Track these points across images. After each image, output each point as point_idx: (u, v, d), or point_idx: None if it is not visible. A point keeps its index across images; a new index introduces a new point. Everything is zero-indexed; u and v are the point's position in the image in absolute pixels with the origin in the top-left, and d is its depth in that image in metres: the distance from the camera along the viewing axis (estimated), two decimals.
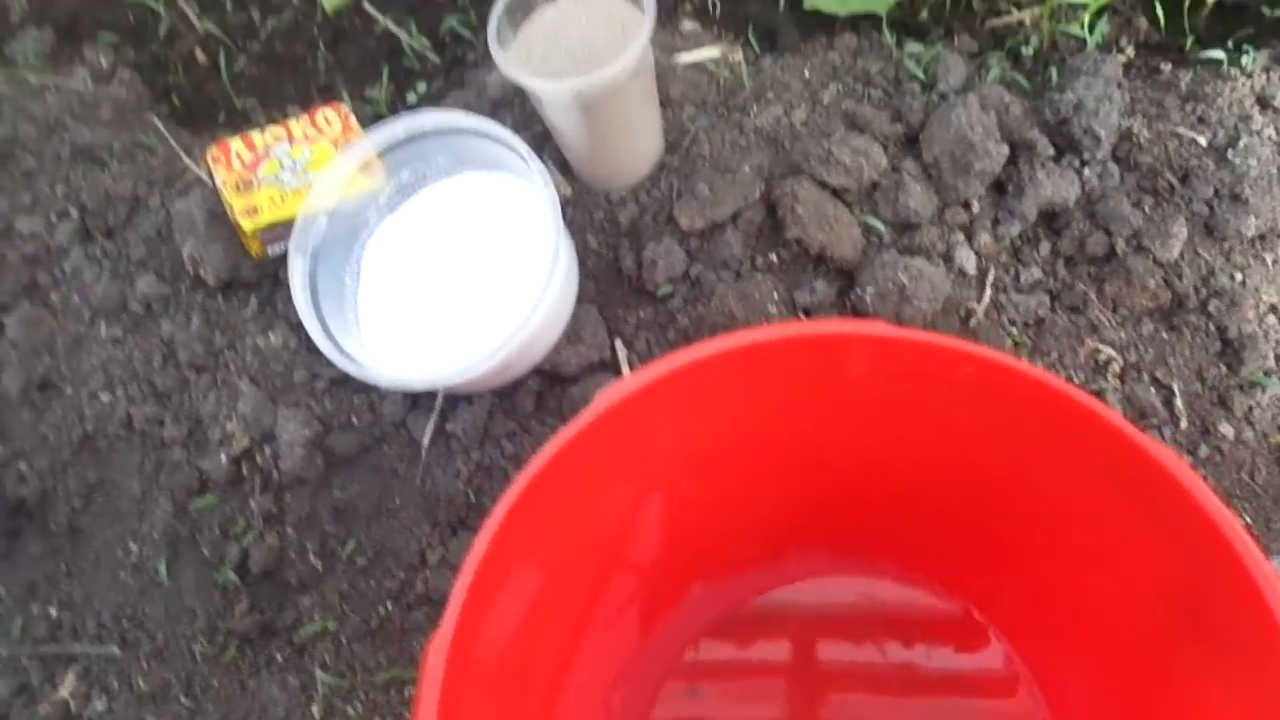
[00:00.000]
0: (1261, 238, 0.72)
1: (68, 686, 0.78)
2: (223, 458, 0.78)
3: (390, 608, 0.76)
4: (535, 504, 0.48)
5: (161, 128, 0.91)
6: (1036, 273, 0.74)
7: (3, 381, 0.82)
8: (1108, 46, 0.83)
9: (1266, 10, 0.84)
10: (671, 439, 0.54)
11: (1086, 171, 0.73)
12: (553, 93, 0.67)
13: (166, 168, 0.88)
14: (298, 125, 0.81)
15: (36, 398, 0.82)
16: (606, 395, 0.50)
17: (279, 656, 0.77)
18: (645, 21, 0.66)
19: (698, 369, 0.51)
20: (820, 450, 0.58)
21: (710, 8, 0.88)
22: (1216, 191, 0.71)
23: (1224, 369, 0.73)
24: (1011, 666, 0.62)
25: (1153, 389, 0.72)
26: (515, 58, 0.70)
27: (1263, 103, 0.73)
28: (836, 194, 0.72)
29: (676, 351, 0.51)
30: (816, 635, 0.67)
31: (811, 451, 0.58)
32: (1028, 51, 0.82)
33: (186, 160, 0.87)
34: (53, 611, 0.81)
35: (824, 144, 0.72)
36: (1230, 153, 0.71)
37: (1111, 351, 0.72)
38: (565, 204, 0.79)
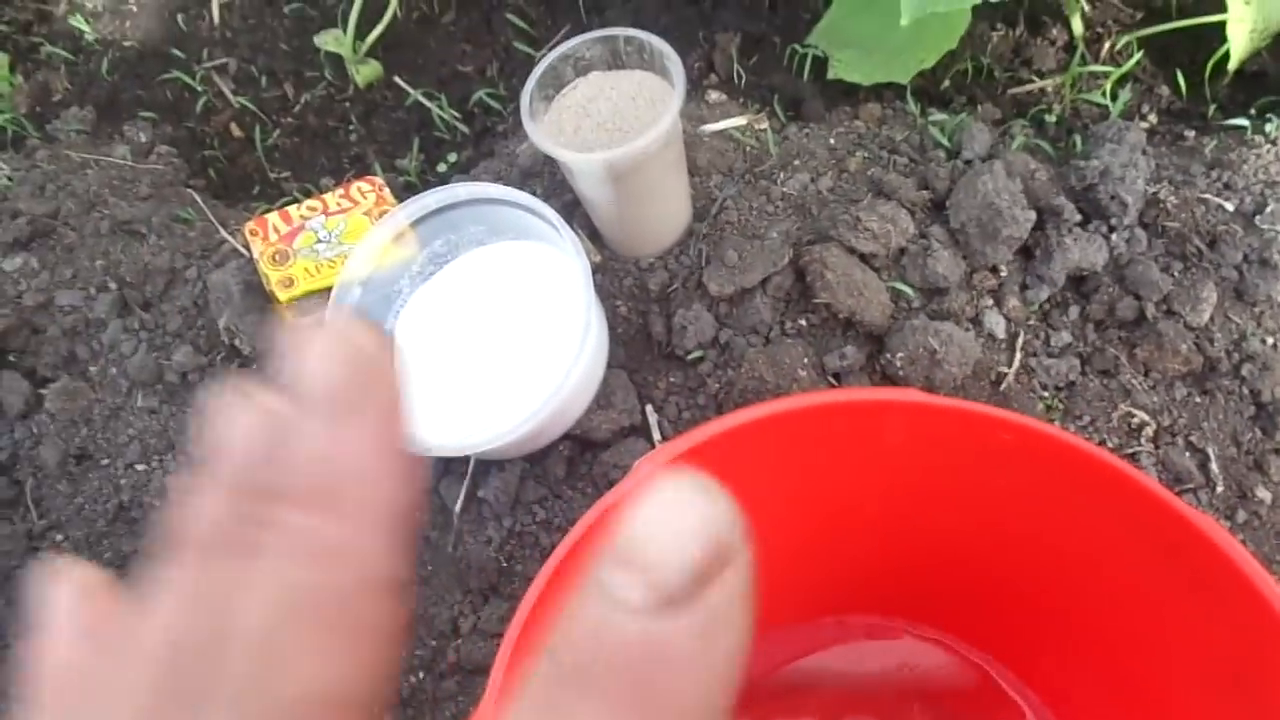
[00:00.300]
0: None
1: None
2: None
3: (422, 677, 0.76)
4: (579, 569, 0.47)
5: (199, 201, 0.93)
6: (1066, 336, 0.74)
7: (41, 454, 0.83)
8: (1130, 114, 0.84)
9: None
10: None
11: (1114, 237, 0.73)
12: (585, 164, 0.68)
13: (203, 240, 0.90)
14: (333, 198, 0.83)
15: (74, 469, 0.83)
16: (648, 461, 0.50)
17: None
18: (675, 94, 0.68)
19: (737, 435, 0.51)
20: (858, 516, 0.58)
21: (736, 78, 0.90)
22: (1245, 256, 0.71)
23: (1259, 433, 0.72)
24: None
25: (1187, 453, 0.72)
26: (547, 131, 0.71)
27: None
28: (865, 260, 0.73)
29: (716, 419, 0.52)
30: (848, 704, 0.66)
31: (849, 517, 0.58)
32: (1051, 119, 0.84)
33: (223, 233, 0.89)
34: None
35: (852, 210, 0.73)
36: (1258, 218, 0.71)
37: (1144, 415, 0.72)
38: (595, 271, 0.80)
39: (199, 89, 1.08)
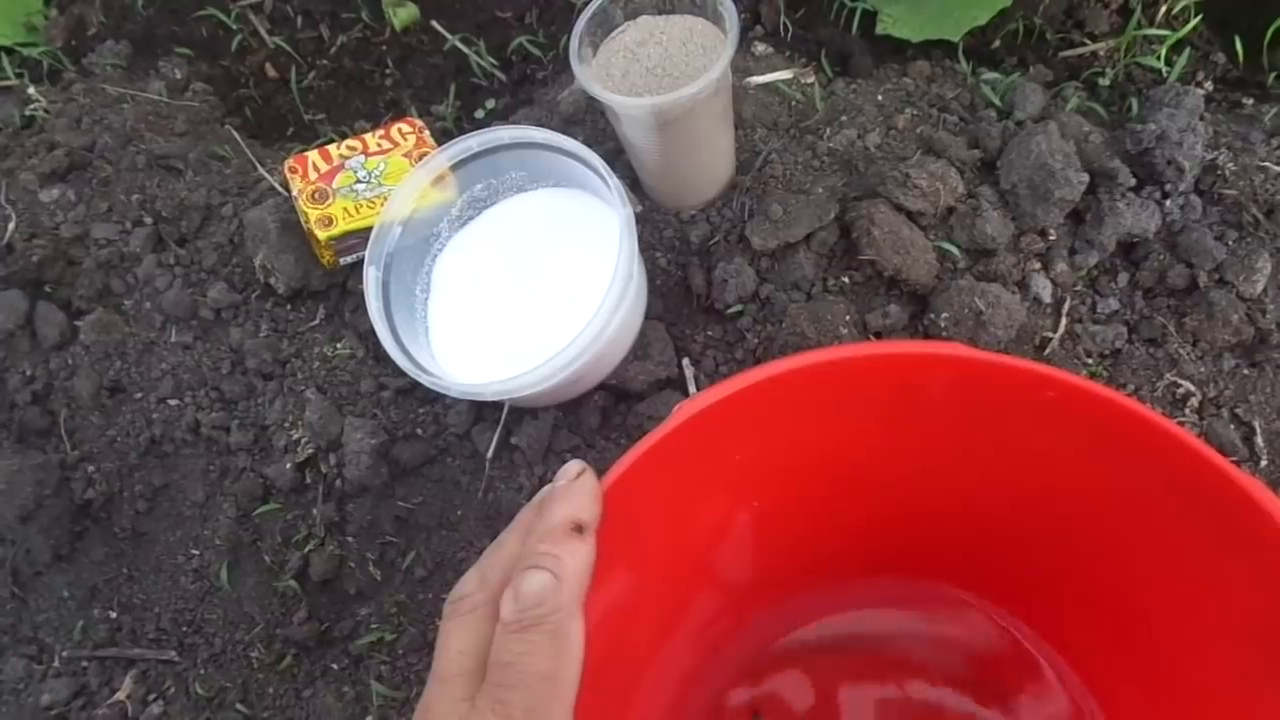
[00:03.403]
0: None
1: (125, 690, 0.79)
2: (287, 465, 0.78)
3: None
4: (616, 509, 0.47)
5: (237, 138, 0.93)
6: (1114, 303, 0.72)
7: (75, 385, 0.83)
8: (1185, 80, 0.82)
9: None
10: (749, 453, 0.54)
11: (1168, 203, 0.72)
12: (633, 109, 0.67)
13: (239, 178, 0.89)
14: (373, 138, 0.82)
15: (107, 401, 0.83)
16: (688, 406, 0.49)
17: (335, 666, 0.77)
18: (728, 41, 0.66)
19: (777, 383, 0.50)
20: (892, 471, 0.57)
21: (783, 31, 0.88)
22: None
23: None
24: (1082, 706, 0.61)
25: (1232, 426, 0.71)
26: (595, 74, 0.70)
27: None
28: (912, 218, 0.72)
29: (756, 367, 0.51)
30: (873, 666, 0.66)
31: (883, 472, 0.57)
32: (1104, 82, 0.82)
33: (260, 170, 0.88)
34: (113, 615, 0.82)
35: (901, 168, 0.72)
36: None
37: (1190, 386, 0.71)
38: (636, 221, 0.79)
39: (234, 27, 1.06)
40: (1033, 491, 0.54)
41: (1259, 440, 0.70)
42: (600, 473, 0.49)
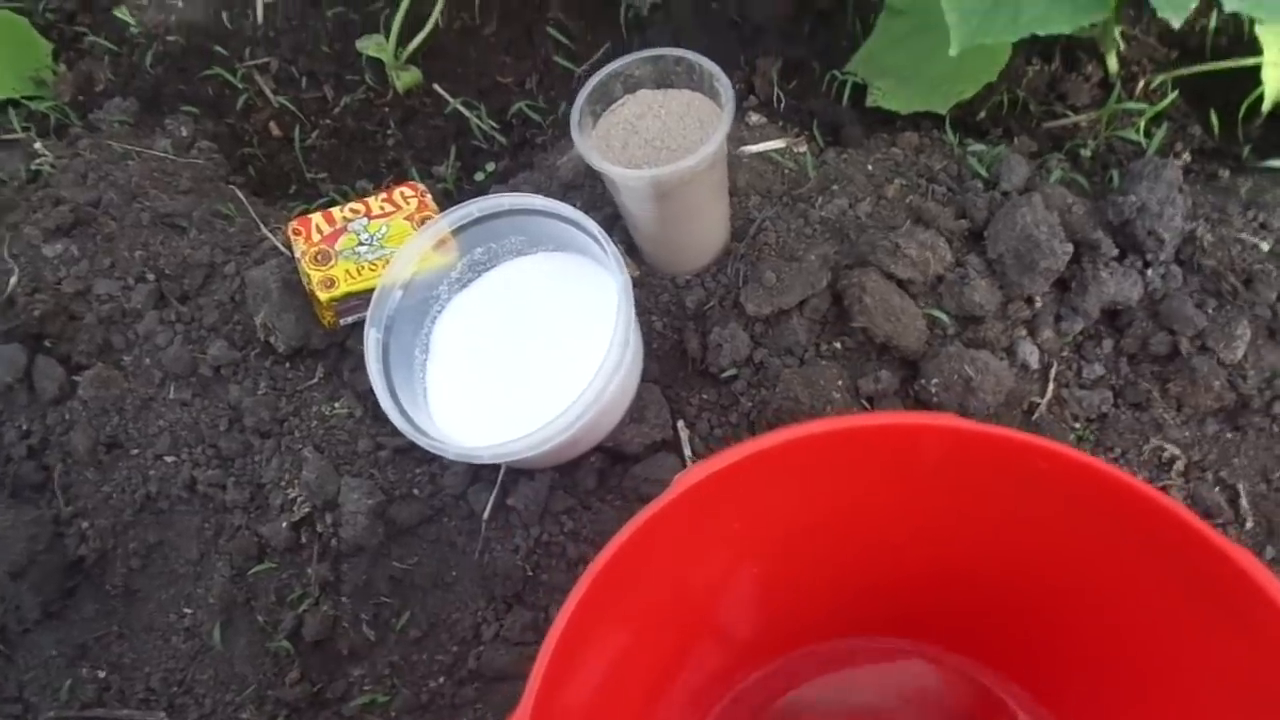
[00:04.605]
0: None
1: None
2: (283, 524, 0.79)
3: (442, 681, 0.76)
4: (619, 573, 0.48)
5: (242, 197, 0.94)
6: (1099, 369, 0.74)
7: (72, 440, 0.83)
8: (1164, 152, 0.85)
9: None
10: (750, 518, 0.55)
11: (1150, 272, 0.74)
12: (632, 180, 0.69)
13: (243, 237, 0.91)
14: (375, 201, 0.84)
15: (103, 457, 0.84)
16: (691, 474, 0.50)
17: None
18: (724, 117, 0.68)
19: (774, 454, 0.52)
20: (886, 538, 0.58)
21: (775, 102, 0.91)
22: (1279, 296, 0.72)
23: None
24: None
25: (1217, 488, 0.72)
26: (595, 145, 0.72)
27: None
28: (902, 286, 0.74)
29: (753, 438, 0.52)
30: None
31: (877, 539, 0.58)
32: (1086, 154, 0.84)
33: (263, 230, 0.90)
34: (101, 674, 0.81)
35: (891, 237, 0.74)
36: None
37: (1175, 450, 0.72)
38: (633, 286, 0.80)
39: (240, 86, 1.09)
40: (1024, 557, 0.56)
41: (1243, 503, 0.72)
42: (601, 535, 0.50)
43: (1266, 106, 0.83)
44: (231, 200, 0.95)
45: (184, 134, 1.06)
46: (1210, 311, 0.73)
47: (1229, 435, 0.73)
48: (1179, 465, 0.73)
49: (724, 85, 0.70)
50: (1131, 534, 0.50)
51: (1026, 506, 0.53)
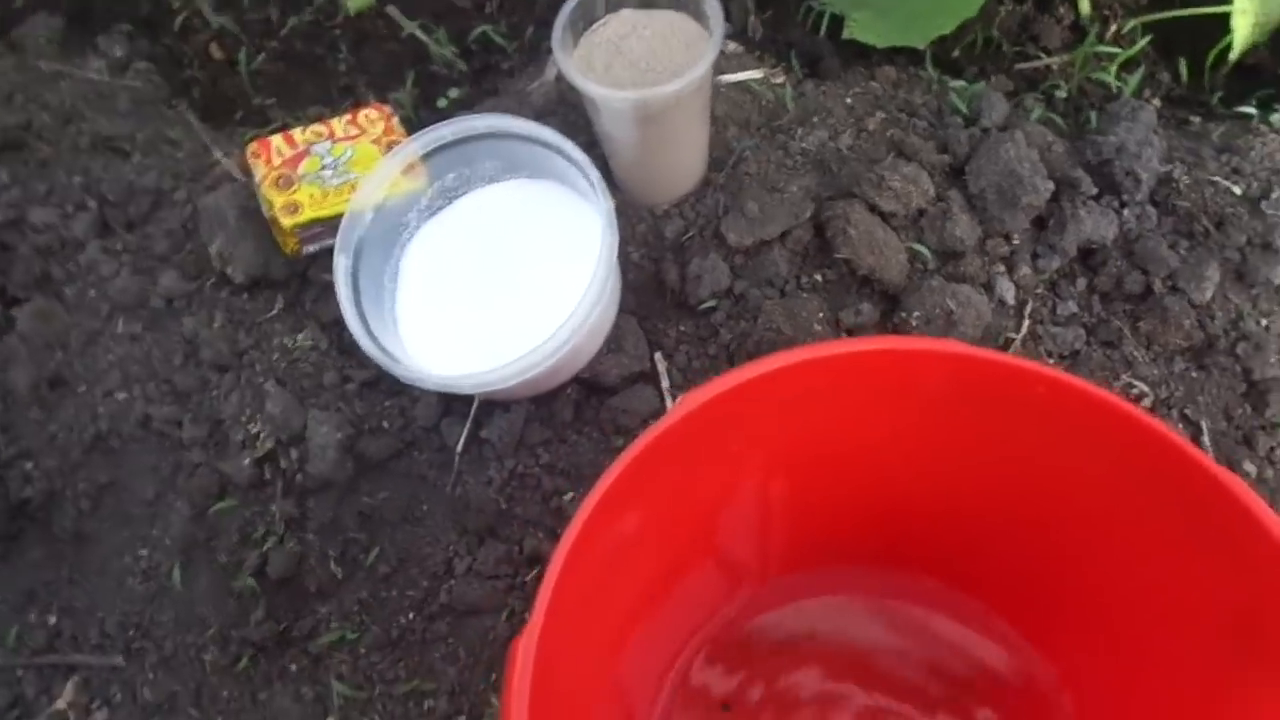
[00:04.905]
0: None
1: (66, 697, 0.75)
2: (245, 460, 0.76)
3: (412, 618, 0.75)
4: (623, 492, 0.47)
5: (190, 120, 0.89)
6: (1073, 307, 0.75)
7: (10, 377, 0.79)
8: (1138, 96, 0.86)
9: None
10: (749, 442, 0.55)
11: (1125, 212, 0.75)
12: (617, 103, 0.67)
13: (193, 161, 0.86)
14: (339, 123, 0.80)
15: (47, 395, 0.79)
16: (695, 394, 0.49)
17: (294, 667, 0.75)
18: (714, 38, 0.67)
19: (781, 376, 0.51)
20: (889, 464, 0.58)
21: (751, 31, 0.89)
22: (1249, 240, 0.73)
23: (1249, 409, 0.75)
24: (1060, 695, 0.63)
25: (1181, 425, 0.74)
26: (577, 65, 0.70)
27: None
28: (885, 218, 0.73)
29: (755, 360, 0.51)
30: (850, 658, 0.67)
31: (881, 465, 0.58)
32: (1061, 95, 0.85)
33: (216, 154, 0.85)
34: (52, 620, 0.78)
35: (875, 169, 0.73)
36: (1263, 204, 0.73)
37: (1144, 387, 0.74)
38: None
39: (175, 4, 1.02)
40: (1020, 487, 0.56)
41: (1205, 440, 0.74)
42: (576, 467, 0.48)
43: (1235, 54, 0.84)
44: (178, 124, 0.90)
45: (118, 54, 0.99)
46: (1182, 252, 0.74)
47: (1195, 374, 0.75)
48: (1146, 402, 0.74)
49: (712, 6, 0.68)
50: (1129, 461, 0.51)
51: (1024, 435, 0.54)
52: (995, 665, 0.65)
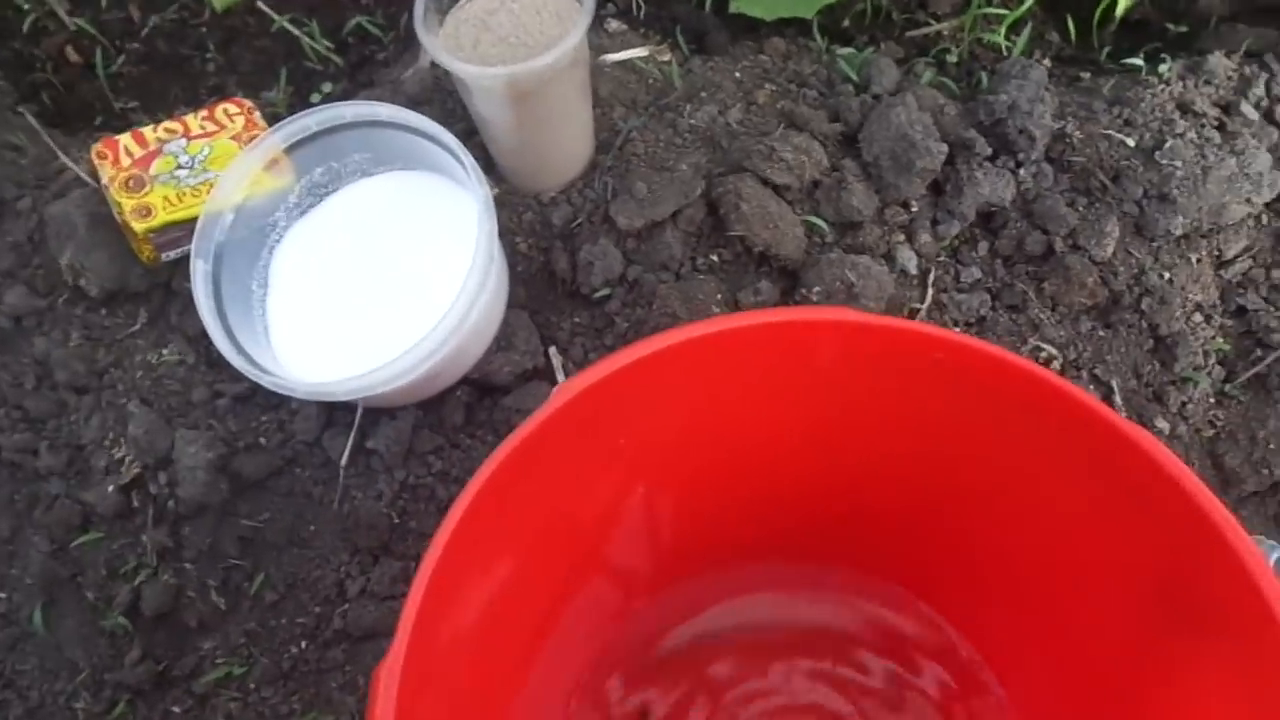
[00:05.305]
0: (1186, 237, 0.74)
1: None
2: (109, 488, 0.70)
3: (305, 646, 0.70)
4: (496, 500, 0.43)
5: (36, 126, 0.82)
6: (976, 272, 0.73)
7: None
8: (1028, 54, 0.84)
9: (1170, 26, 0.88)
10: (637, 433, 0.51)
11: (1022, 172, 0.73)
12: (486, 80, 0.63)
13: (38, 169, 0.79)
14: (195, 120, 0.74)
15: None
16: (570, 385, 0.45)
17: (177, 710, 0.69)
18: (585, 8, 0.63)
19: (658, 360, 0.47)
20: (785, 446, 0.55)
21: (635, 8, 0.86)
22: (1145, 192, 0.72)
23: (1158, 365, 0.74)
24: (979, 674, 0.60)
25: (1091, 386, 0.73)
26: (444, 44, 0.65)
27: (1183, 108, 0.75)
28: (779, 192, 0.70)
29: (635, 343, 0.48)
30: (776, 648, 0.64)
31: (776, 447, 0.55)
32: (952, 59, 0.83)
33: (64, 159, 0.79)
34: None
35: (765, 142, 0.70)
36: (1157, 154, 0.72)
37: (1052, 349, 0.72)
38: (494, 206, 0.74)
39: (24, 5, 0.95)
40: (923, 459, 0.54)
41: (1117, 399, 0.72)
42: (472, 473, 0.44)
43: (1120, 10, 0.83)
44: (22, 130, 0.83)
45: None
46: (1081, 209, 0.73)
47: (1101, 333, 0.74)
48: (1055, 365, 0.72)
49: None
50: (1037, 424, 0.48)
51: (925, 402, 0.51)
52: (920, 646, 0.62)
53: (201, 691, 0.69)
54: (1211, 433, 0.75)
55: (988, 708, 0.59)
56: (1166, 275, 0.73)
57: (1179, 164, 0.72)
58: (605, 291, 0.71)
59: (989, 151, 0.72)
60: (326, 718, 0.68)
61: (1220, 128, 0.75)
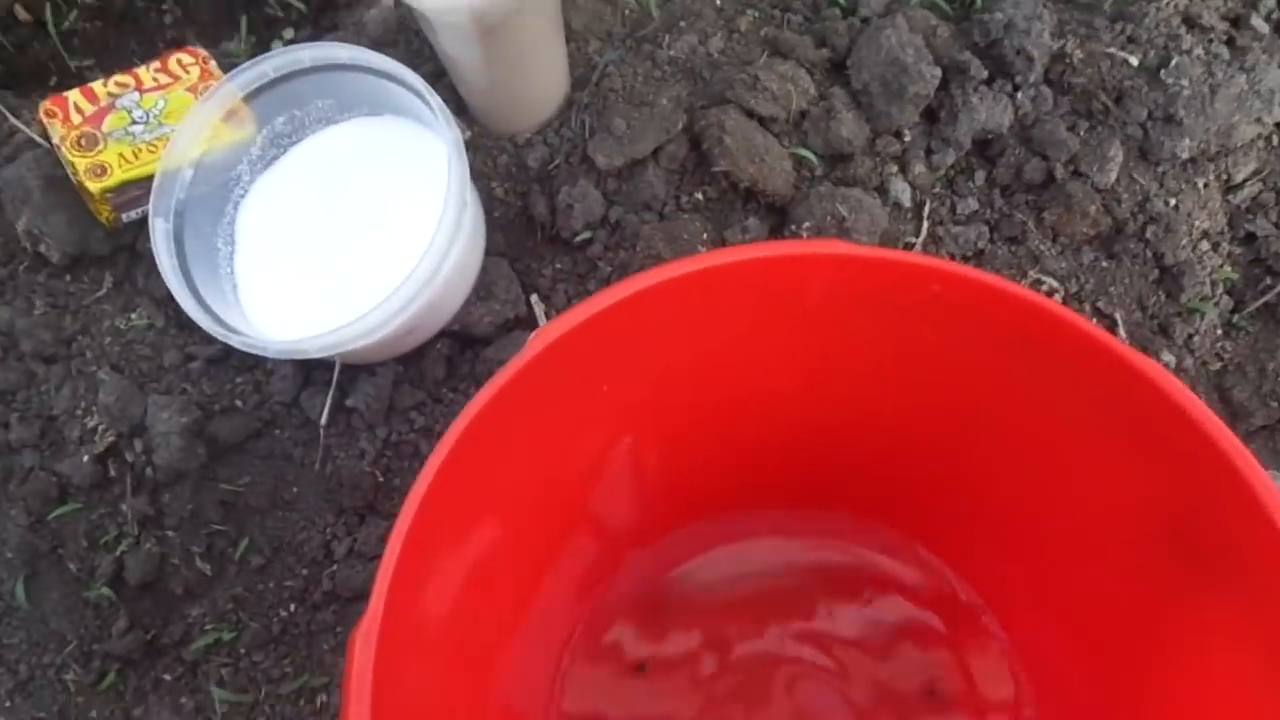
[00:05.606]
0: (1193, 160, 0.71)
1: None
2: (84, 458, 0.68)
3: (294, 609, 0.68)
4: (476, 454, 0.41)
5: None
6: (973, 203, 0.70)
7: None
8: None
9: None
10: (618, 381, 0.48)
11: (1020, 95, 0.69)
12: (450, 15, 0.59)
13: None
14: (147, 72, 0.71)
15: None
16: (544, 334, 0.43)
17: (168, 677, 0.68)
18: None
19: (640, 300, 0.45)
20: (776, 389, 0.52)
21: None
22: (1150, 113, 0.69)
23: (1163, 296, 0.71)
24: (980, 619, 0.59)
25: (1095, 319, 0.70)
26: None
27: (1189, 22, 0.71)
28: (764, 124, 0.67)
29: (616, 284, 0.45)
30: (772, 596, 0.62)
31: (767, 391, 0.52)
32: None
33: (13, 120, 0.75)
34: None
35: (748, 71, 0.67)
36: (1162, 73, 0.69)
37: (1054, 282, 0.69)
38: (465, 148, 0.71)
39: None
40: (920, 397, 0.51)
41: (1121, 332, 0.70)
42: (452, 419, 0.42)
43: None
44: None
45: None
46: (1082, 134, 0.69)
47: (1104, 263, 0.71)
48: (1057, 298, 0.70)
49: None
50: (1039, 357, 0.46)
51: (922, 338, 0.48)
52: (918, 592, 0.60)
53: (192, 658, 0.67)
54: (1219, 365, 0.72)
55: (989, 654, 0.57)
56: (1172, 201, 0.70)
57: (1185, 83, 0.68)
58: (586, 235, 0.68)
59: (985, 75, 0.68)
60: (319, 679, 0.67)
61: (1229, 43, 0.72)
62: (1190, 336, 0.71)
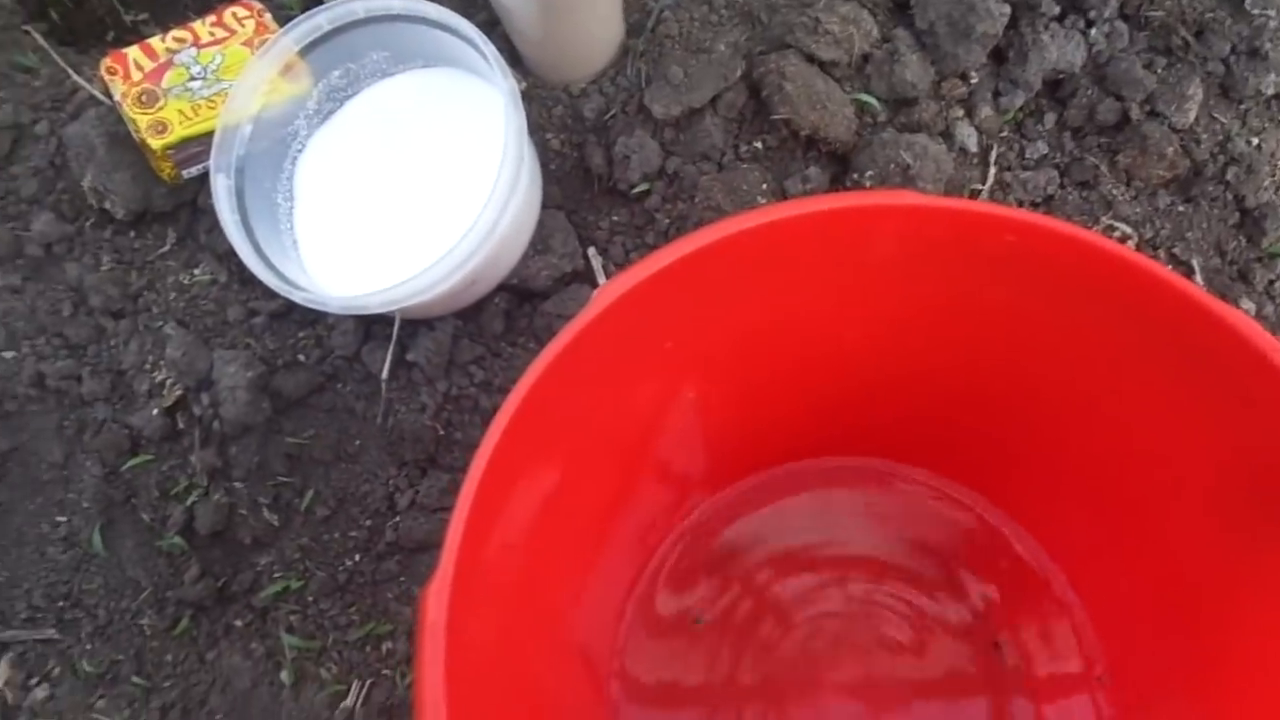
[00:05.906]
0: (1277, 97, 0.67)
1: (2, 676, 0.70)
2: (154, 411, 0.69)
3: (359, 559, 0.69)
4: (543, 406, 0.41)
5: (45, 45, 0.79)
6: (1043, 147, 0.68)
7: None
8: None
9: None
10: (684, 335, 0.48)
11: (1093, 32, 0.67)
12: None
13: (52, 90, 0.77)
14: (203, 27, 0.71)
15: None
16: (612, 287, 0.42)
17: (239, 623, 0.70)
18: None
19: (705, 256, 0.44)
20: (844, 341, 0.52)
21: None
22: (1233, 48, 0.66)
23: (1244, 241, 0.68)
24: (1050, 579, 0.58)
25: (1170, 266, 0.68)
26: None
27: None
28: (825, 69, 0.65)
29: (682, 238, 0.44)
30: (834, 549, 0.62)
31: (834, 343, 0.52)
32: None
33: (76, 78, 0.76)
34: None
35: (809, 13, 0.65)
36: (1247, 3, 0.65)
37: (1127, 228, 0.67)
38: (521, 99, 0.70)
39: None
40: (994, 350, 0.50)
41: (1198, 279, 0.67)
42: (515, 381, 0.42)
43: None
44: (33, 50, 0.80)
45: None
46: (1159, 72, 0.67)
47: (1181, 208, 0.68)
48: (1131, 244, 0.68)
49: None
50: (1115, 307, 0.44)
51: (995, 290, 0.47)
52: (984, 546, 0.59)
53: (261, 606, 0.69)
54: None
55: (1060, 619, 0.57)
56: (1255, 141, 0.67)
57: (1271, 13, 0.65)
58: (644, 186, 0.67)
59: (1056, 10, 0.66)
60: (384, 627, 0.68)
61: None
62: (1271, 282, 0.68)
